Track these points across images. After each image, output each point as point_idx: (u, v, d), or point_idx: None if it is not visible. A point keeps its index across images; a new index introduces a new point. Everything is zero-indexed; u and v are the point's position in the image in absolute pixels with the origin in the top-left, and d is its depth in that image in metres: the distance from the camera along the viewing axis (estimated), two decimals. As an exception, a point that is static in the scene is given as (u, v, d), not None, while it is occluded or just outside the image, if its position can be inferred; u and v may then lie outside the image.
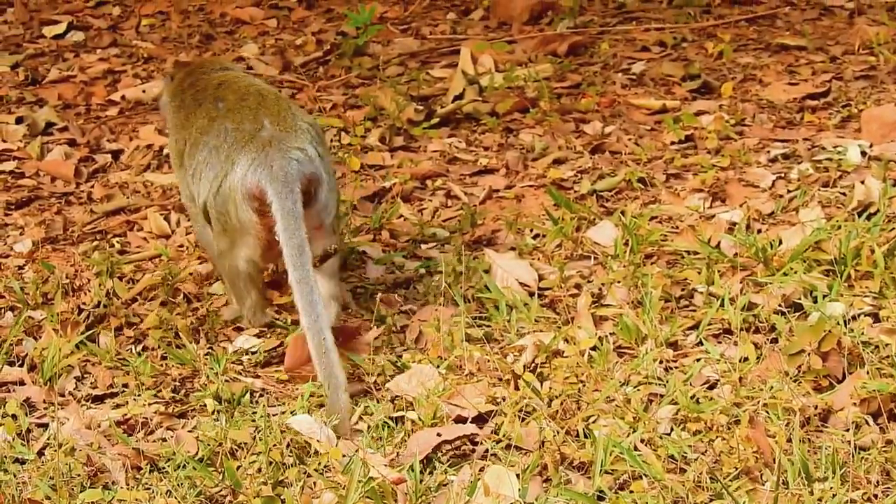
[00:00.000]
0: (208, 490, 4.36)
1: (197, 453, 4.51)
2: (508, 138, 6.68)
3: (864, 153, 6.16)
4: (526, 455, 4.42)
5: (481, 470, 4.34)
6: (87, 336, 5.20)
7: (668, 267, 5.42)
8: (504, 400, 4.64)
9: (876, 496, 4.15)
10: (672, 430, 4.47)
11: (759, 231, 5.61)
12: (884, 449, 4.31)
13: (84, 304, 5.43)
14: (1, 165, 6.72)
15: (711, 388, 4.70)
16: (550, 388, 4.66)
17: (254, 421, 4.65)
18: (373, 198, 6.19)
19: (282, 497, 4.27)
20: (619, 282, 5.28)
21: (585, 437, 4.44)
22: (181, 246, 5.85)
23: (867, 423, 4.44)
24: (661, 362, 4.83)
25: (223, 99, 5.21)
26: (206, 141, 5.15)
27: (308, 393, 4.80)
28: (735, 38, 7.56)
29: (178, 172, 5.42)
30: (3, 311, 5.49)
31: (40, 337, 5.25)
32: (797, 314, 5.00)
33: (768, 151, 6.32)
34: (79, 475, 4.43)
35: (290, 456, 4.45)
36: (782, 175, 6.09)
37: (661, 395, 4.64)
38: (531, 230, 5.78)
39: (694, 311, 5.15)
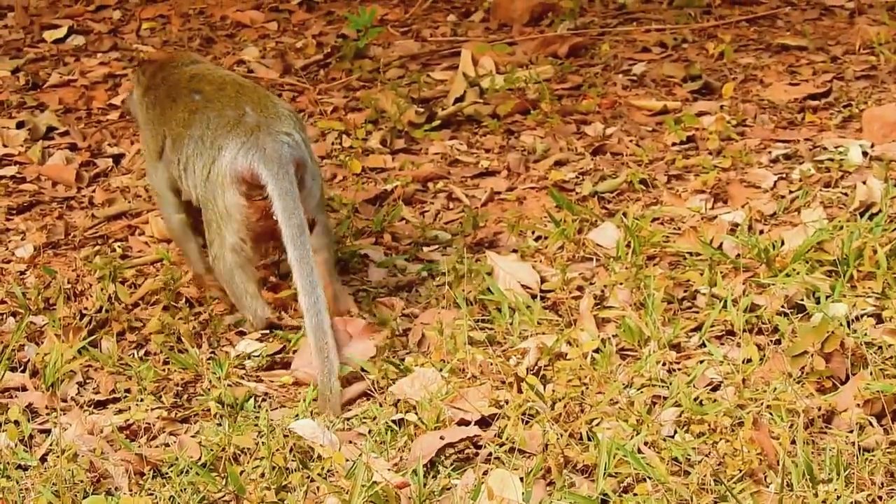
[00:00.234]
0: (211, 495, 4.35)
1: (200, 458, 4.51)
2: (510, 140, 6.67)
3: (865, 153, 6.16)
4: (529, 458, 4.41)
5: (485, 473, 4.33)
6: (89, 341, 5.20)
7: (670, 268, 5.41)
8: (507, 403, 4.64)
9: (881, 498, 4.14)
10: (675, 432, 4.47)
11: (762, 232, 5.60)
12: (888, 450, 4.30)
13: (86, 309, 5.43)
14: (2, 170, 6.72)
15: (715, 389, 4.69)
16: (553, 391, 4.65)
17: (257, 426, 4.65)
18: (374, 201, 6.19)
19: (285, 502, 4.27)
20: (621, 284, 5.28)
21: (589, 439, 4.44)
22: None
23: (871, 424, 4.43)
24: (664, 364, 4.82)
25: (199, 91, 5.28)
26: (189, 134, 5.21)
27: (311, 397, 4.79)
28: (736, 38, 7.56)
29: (152, 167, 5.47)
30: (4, 316, 5.49)
31: (42, 342, 5.25)
32: (800, 315, 4.99)
33: (770, 152, 6.31)
34: (81, 481, 4.43)
35: (293, 461, 4.44)
36: (784, 175, 6.09)
37: (665, 398, 4.63)
38: (533, 232, 5.77)
39: (697, 312, 5.14)
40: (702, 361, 4.82)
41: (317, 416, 4.71)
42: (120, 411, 4.86)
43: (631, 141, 6.54)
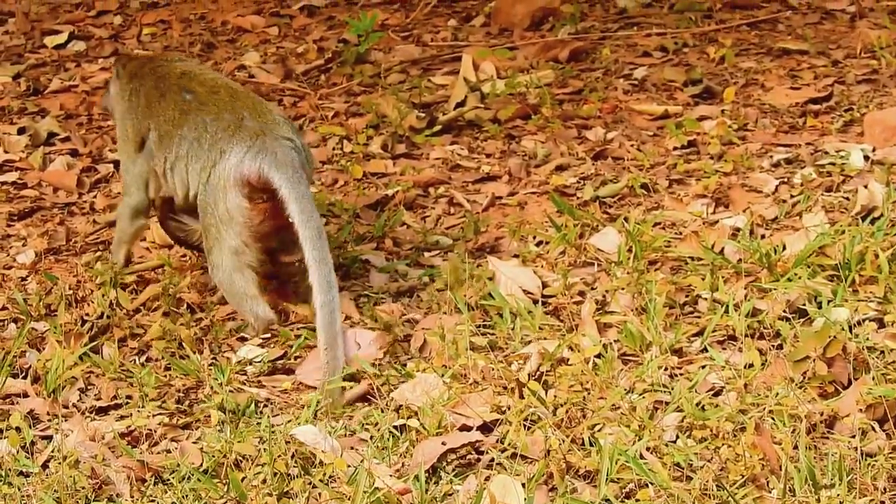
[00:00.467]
0: (213, 502, 4.35)
1: (201, 465, 4.51)
2: (511, 145, 6.67)
3: (867, 157, 6.16)
4: (531, 464, 4.41)
5: (487, 479, 4.33)
6: (90, 347, 5.20)
7: (671, 273, 5.41)
8: (509, 408, 4.63)
9: (883, 503, 4.14)
10: (678, 437, 4.46)
11: (763, 236, 5.60)
12: (890, 455, 4.30)
13: (87, 315, 5.43)
14: (3, 176, 6.72)
15: (717, 394, 4.69)
16: (555, 397, 4.65)
17: (258, 432, 4.65)
18: (375, 206, 6.18)
19: (287, 508, 4.27)
20: (622, 288, 5.28)
21: (591, 445, 4.43)
22: (184, 256, 5.85)
23: (873, 429, 4.43)
24: (665, 369, 4.82)
25: (191, 91, 5.34)
26: (182, 134, 5.28)
27: (314, 403, 4.79)
28: (736, 42, 7.55)
29: (129, 160, 5.52)
30: (6, 322, 5.49)
31: (44, 348, 5.25)
32: (802, 320, 4.98)
33: (771, 156, 6.31)
34: (83, 488, 4.43)
35: (295, 467, 4.44)
36: (785, 180, 6.09)
37: (667, 403, 4.63)
38: (534, 237, 5.77)
39: (698, 317, 5.14)
40: (703, 366, 4.82)
41: (319, 421, 4.71)
42: (121, 417, 4.86)
43: (632, 145, 6.54)
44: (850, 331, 4.85)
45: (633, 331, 4.97)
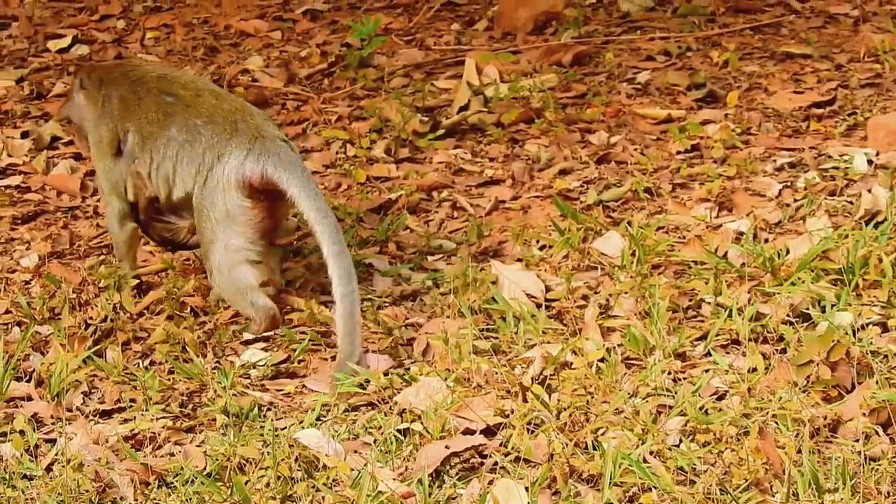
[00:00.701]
0: (217, 505, 4.35)
1: (205, 468, 4.51)
2: (514, 149, 6.67)
3: (870, 161, 6.16)
4: (535, 468, 4.41)
5: (490, 483, 4.33)
6: (94, 351, 5.20)
7: (675, 277, 5.41)
8: (512, 412, 4.63)
9: (886, 507, 4.15)
10: (681, 441, 4.46)
11: (767, 240, 5.60)
12: (894, 459, 4.30)
13: (91, 318, 5.43)
14: (7, 180, 6.72)
15: (720, 399, 4.69)
16: (559, 401, 4.65)
17: (262, 435, 4.65)
18: (379, 210, 6.19)
19: (290, 512, 4.28)
20: (626, 293, 5.28)
21: (594, 449, 4.43)
22: (187, 259, 5.85)
23: (877, 433, 4.43)
24: (669, 373, 4.82)
25: (172, 94, 5.38)
26: (170, 136, 5.33)
27: (317, 406, 4.79)
28: (740, 46, 7.56)
29: (106, 165, 5.53)
30: (10, 325, 5.49)
31: (47, 352, 5.24)
32: (805, 324, 4.99)
33: (774, 160, 6.31)
34: (87, 491, 4.43)
35: (298, 470, 4.44)
36: (789, 184, 6.09)
37: (670, 407, 4.63)
38: (537, 241, 5.77)
39: (702, 321, 5.14)
40: (707, 370, 4.82)
41: (322, 424, 4.71)
42: (125, 421, 4.86)
43: (635, 149, 6.54)
44: (854, 335, 4.85)
45: (636, 335, 4.97)
